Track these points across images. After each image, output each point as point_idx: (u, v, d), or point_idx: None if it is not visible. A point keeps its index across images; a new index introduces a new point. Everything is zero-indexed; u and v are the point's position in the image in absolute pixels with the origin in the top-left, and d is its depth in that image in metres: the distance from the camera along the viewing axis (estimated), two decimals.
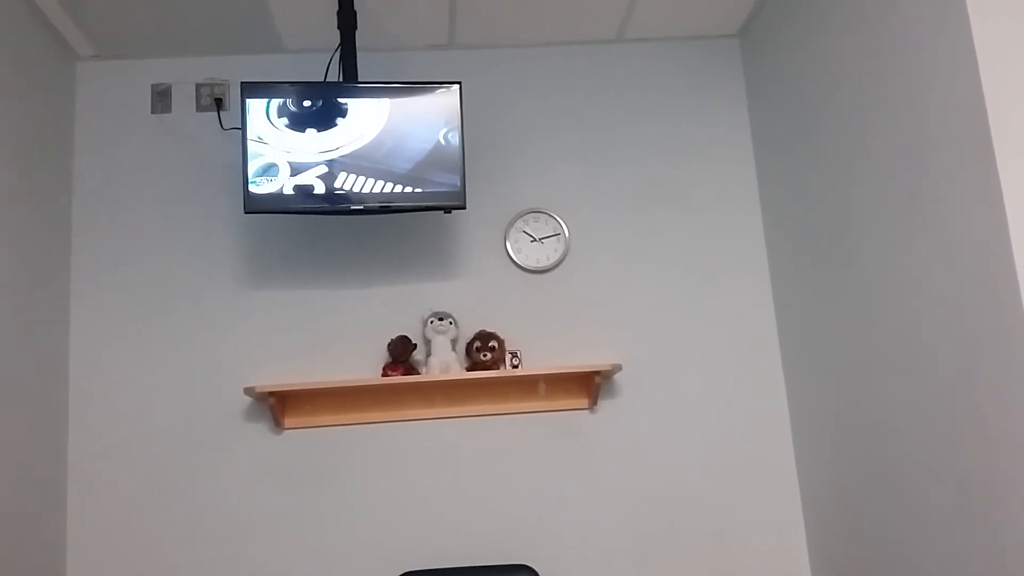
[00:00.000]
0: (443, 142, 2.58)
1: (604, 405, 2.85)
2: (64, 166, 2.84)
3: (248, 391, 2.63)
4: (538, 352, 2.86)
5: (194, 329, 2.82)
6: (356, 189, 2.54)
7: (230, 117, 2.92)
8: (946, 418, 1.96)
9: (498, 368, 2.75)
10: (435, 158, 2.58)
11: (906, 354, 2.11)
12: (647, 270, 2.93)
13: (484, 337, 2.75)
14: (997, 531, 1.80)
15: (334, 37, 2.86)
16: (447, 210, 2.61)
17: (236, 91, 2.94)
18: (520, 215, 2.93)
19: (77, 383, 2.77)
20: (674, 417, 2.85)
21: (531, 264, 2.91)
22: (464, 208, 2.60)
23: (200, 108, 2.94)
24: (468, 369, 2.77)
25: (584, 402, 2.83)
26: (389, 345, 2.75)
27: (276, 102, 2.54)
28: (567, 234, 2.93)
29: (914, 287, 2.06)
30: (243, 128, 2.52)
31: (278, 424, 2.75)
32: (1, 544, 2.33)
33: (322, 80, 2.84)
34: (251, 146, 2.51)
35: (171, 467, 2.74)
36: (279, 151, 2.52)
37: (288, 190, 2.52)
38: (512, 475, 2.79)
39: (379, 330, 2.83)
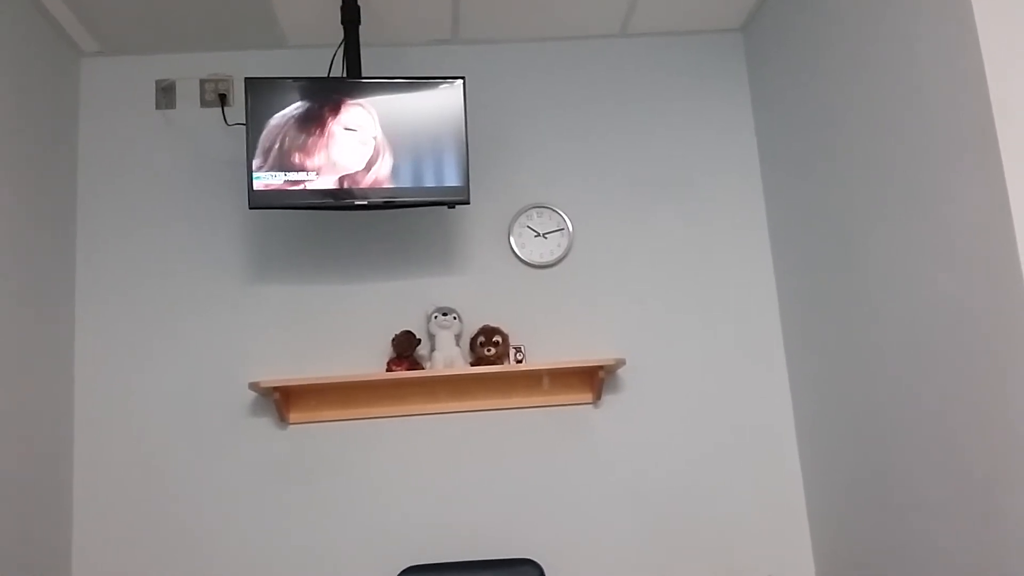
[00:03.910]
0: (447, 137, 2.59)
1: (608, 400, 2.86)
2: (68, 162, 2.85)
3: (253, 386, 2.64)
4: (542, 347, 2.87)
5: (199, 324, 2.83)
6: (360, 184, 2.54)
7: (234, 113, 2.92)
8: (949, 414, 1.96)
9: (502, 363, 2.75)
10: (439, 153, 2.58)
11: (910, 349, 2.11)
12: (651, 264, 2.94)
13: (488, 332, 2.75)
14: (1001, 528, 1.80)
15: (337, 32, 2.87)
16: (451, 205, 2.61)
17: (240, 87, 2.94)
18: (524, 210, 2.93)
19: (82, 378, 2.78)
20: (678, 411, 2.86)
21: (535, 259, 2.91)
22: (468, 203, 2.60)
23: (204, 104, 2.95)
24: (472, 364, 2.77)
25: (588, 397, 2.83)
26: (393, 340, 2.75)
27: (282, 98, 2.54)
28: (571, 229, 2.93)
29: (918, 282, 2.06)
30: (247, 124, 2.52)
31: (283, 419, 2.76)
32: (8, 538, 2.34)
33: (326, 75, 2.85)
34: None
35: (176, 462, 2.75)
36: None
37: (292, 186, 2.52)
38: (516, 470, 2.80)
39: (383, 325, 2.84)
